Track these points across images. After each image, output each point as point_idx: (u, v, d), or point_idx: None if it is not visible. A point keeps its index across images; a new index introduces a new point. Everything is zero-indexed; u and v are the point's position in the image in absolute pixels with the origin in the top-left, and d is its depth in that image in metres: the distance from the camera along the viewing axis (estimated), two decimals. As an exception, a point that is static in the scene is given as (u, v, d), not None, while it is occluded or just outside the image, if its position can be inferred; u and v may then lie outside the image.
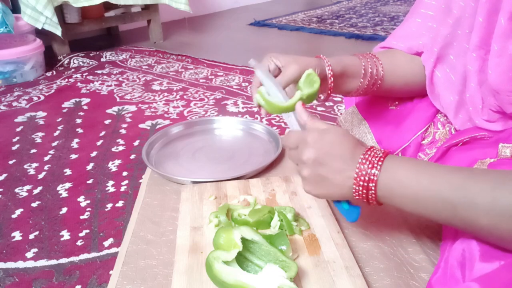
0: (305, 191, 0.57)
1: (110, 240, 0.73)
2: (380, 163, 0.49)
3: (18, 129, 1.20)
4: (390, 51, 0.74)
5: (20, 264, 0.69)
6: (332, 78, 0.64)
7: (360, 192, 0.51)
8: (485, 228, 0.43)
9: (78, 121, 1.25)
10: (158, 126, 1.19)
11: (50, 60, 1.80)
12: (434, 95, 0.70)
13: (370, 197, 0.51)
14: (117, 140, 1.11)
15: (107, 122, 1.23)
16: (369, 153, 0.51)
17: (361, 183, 0.50)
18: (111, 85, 1.55)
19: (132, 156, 1.02)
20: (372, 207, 0.54)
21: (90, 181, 0.92)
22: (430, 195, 0.46)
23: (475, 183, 0.43)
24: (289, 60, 0.63)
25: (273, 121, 1.19)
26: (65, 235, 0.75)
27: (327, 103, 1.31)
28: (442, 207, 0.45)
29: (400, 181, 0.48)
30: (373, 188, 0.50)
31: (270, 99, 0.60)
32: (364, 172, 0.50)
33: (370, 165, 0.49)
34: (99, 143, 1.10)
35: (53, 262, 0.69)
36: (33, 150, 1.07)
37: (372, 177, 0.49)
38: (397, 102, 0.79)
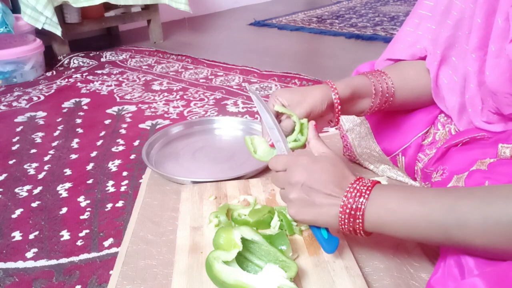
0: (289, 215, 0.56)
1: (110, 240, 0.73)
2: (368, 191, 0.49)
3: (18, 129, 1.20)
4: (397, 65, 0.72)
5: (20, 264, 0.69)
6: (339, 106, 0.64)
7: (346, 221, 0.50)
8: (480, 248, 0.43)
9: (78, 121, 1.25)
10: (158, 126, 1.19)
11: (50, 60, 1.80)
12: (439, 97, 0.69)
13: (357, 226, 0.50)
14: (117, 140, 1.11)
15: (107, 122, 1.23)
16: (357, 182, 0.51)
17: (347, 210, 0.49)
18: (111, 85, 1.55)
19: (132, 156, 1.02)
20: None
21: (90, 181, 0.92)
22: (422, 220, 0.45)
23: (464, 204, 0.43)
24: (295, 100, 0.63)
25: (273, 121, 1.19)
26: (65, 235, 0.75)
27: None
28: (435, 231, 0.45)
29: (389, 209, 0.48)
30: (360, 217, 0.49)
31: (255, 156, 0.65)
32: (351, 201, 0.49)
33: (358, 194, 0.49)
34: (99, 143, 1.10)
35: (53, 262, 0.69)
36: (33, 150, 1.07)
37: (359, 206, 0.49)
38: None
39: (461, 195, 0.44)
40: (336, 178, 0.52)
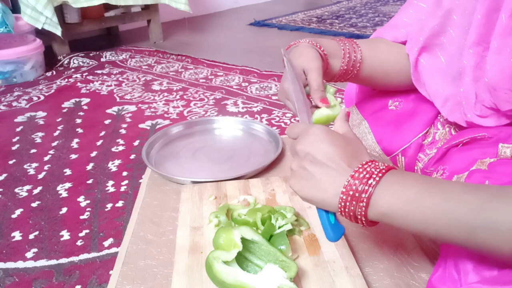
0: (289, 185, 0.51)
1: (110, 240, 0.73)
2: (380, 174, 0.43)
3: (18, 129, 1.20)
4: (374, 40, 0.76)
5: (20, 264, 0.69)
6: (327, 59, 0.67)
7: (348, 204, 0.44)
8: (506, 255, 0.38)
9: (78, 121, 1.25)
10: (158, 126, 1.19)
11: (50, 60, 1.80)
12: (420, 83, 0.70)
13: (359, 211, 0.44)
14: (117, 140, 1.11)
15: (107, 122, 1.23)
16: (370, 164, 0.45)
17: (351, 192, 0.43)
18: (111, 85, 1.55)
19: (132, 156, 1.02)
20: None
21: (90, 181, 0.92)
22: (443, 216, 0.40)
23: (497, 205, 0.38)
24: (304, 65, 0.64)
25: (273, 121, 1.19)
26: (65, 235, 0.75)
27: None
28: (457, 230, 0.40)
29: (406, 198, 0.42)
30: (364, 200, 0.43)
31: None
32: (357, 182, 0.43)
33: (367, 175, 0.43)
34: (99, 143, 1.10)
35: (53, 262, 0.69)
36: (33, 150, 1.07)
37: (366, 188, 0.43)
38: (397, 103, 0.79)
39: (493, 194, 0.39)
40: (345, 154, 0.46)
